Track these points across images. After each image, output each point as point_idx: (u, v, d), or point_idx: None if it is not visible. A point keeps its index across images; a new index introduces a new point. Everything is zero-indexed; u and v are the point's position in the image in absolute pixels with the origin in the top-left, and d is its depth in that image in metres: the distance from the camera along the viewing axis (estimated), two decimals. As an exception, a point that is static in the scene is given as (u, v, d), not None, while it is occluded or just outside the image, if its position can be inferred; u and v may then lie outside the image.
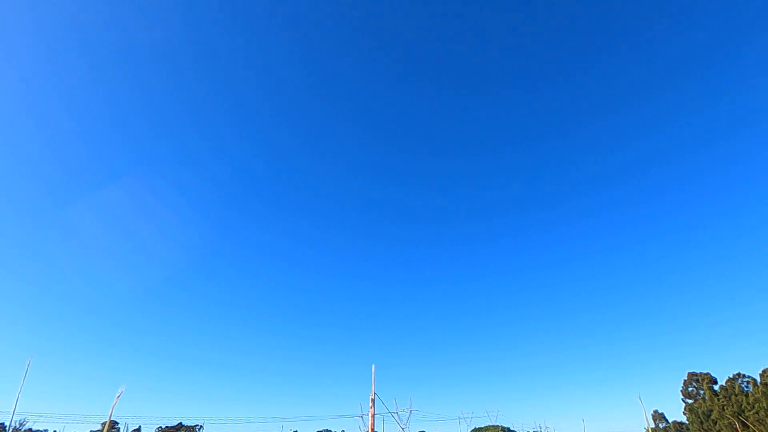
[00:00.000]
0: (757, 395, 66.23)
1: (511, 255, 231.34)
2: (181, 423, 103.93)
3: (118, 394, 16.22)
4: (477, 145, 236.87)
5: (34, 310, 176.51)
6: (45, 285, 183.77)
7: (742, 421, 65.89)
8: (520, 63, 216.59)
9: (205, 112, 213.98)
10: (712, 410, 72.68)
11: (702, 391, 77.92)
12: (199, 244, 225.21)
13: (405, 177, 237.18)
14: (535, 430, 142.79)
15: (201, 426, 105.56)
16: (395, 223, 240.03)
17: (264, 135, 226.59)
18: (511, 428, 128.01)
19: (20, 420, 78.92)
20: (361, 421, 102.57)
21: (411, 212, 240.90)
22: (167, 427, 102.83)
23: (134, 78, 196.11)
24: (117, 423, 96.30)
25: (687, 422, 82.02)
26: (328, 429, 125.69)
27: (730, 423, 67.95)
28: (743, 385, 71.06)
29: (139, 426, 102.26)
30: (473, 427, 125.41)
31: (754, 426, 63.95)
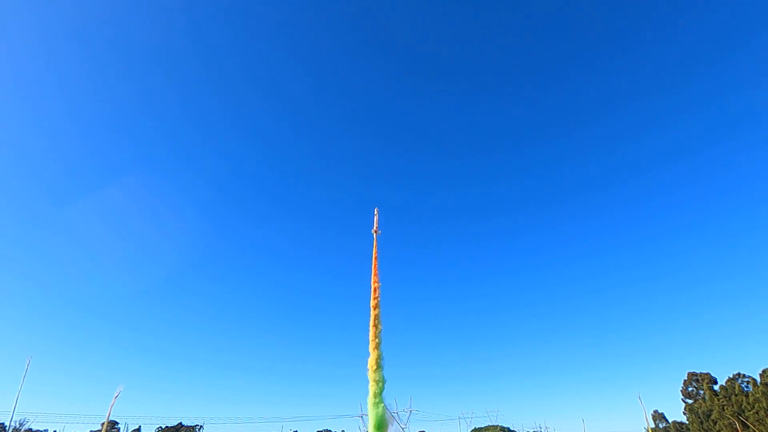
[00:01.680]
0: (757, 395, 66.14)
1: (511, 255, 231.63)
2: (181, 423, 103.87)
3: (116, 394, 16.25)
4: (477, 145, 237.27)
5: (34, 310, 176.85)
6: (45, 285, 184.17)
7: (742, 421, 65.80)
8: (520, 63, 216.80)
9: (205, 112, 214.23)
10: (712, 410, 72.60)
11: (702, 391, 77.83)
12: (199, 243, 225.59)
13: (405, 177, 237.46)
14: (535, 430, 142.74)
15: (201, 426, 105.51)
16: (395, 223, 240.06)
17: (264, 135, 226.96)
18: (511, 428, 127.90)
19: (20, 420, 79.01)
20: (361, 421, 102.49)
21: (410, 212, 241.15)
22: (167, 427, 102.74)
23: (134, 78, 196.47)
24: (117, 423, 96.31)
25: (687, 422, 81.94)
26: (328, 429, 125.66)
27: (730, 423, 67.85)
28: (743, 385, 70.96)
29: (139, 426, 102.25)
30: (473, 427, 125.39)
31: (754, 426, 63.86)
